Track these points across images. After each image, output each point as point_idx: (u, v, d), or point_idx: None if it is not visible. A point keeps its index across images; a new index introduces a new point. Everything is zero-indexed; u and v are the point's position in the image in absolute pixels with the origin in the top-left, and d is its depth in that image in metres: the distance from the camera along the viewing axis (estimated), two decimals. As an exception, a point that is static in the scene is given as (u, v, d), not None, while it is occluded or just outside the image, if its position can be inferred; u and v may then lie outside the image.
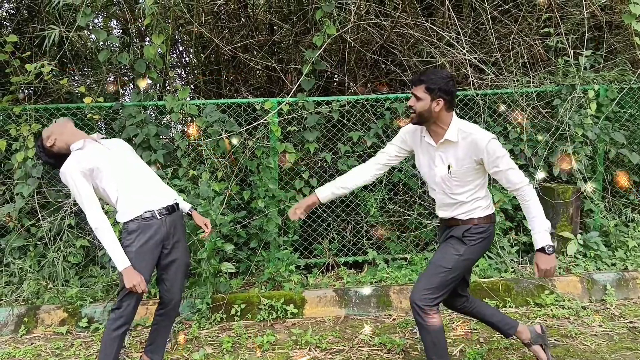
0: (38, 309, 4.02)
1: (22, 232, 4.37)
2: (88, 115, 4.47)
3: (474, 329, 3.72)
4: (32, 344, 3.75)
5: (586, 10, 4.71)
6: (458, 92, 4.76)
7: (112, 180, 2.78)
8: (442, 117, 2.58)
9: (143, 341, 3.69)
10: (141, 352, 3.28)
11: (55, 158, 2.85)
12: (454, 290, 2.87)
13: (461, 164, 2.59)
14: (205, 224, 3.13)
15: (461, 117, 4.72)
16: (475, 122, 4.75)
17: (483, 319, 3.02)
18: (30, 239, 4.34)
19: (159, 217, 2.82)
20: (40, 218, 4.32)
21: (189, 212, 3.15)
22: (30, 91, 4.98)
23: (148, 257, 2.79)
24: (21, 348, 3.65)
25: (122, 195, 2.79)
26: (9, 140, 4.36)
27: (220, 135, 4.44)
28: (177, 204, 2.98)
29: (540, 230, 2.56)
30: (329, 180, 4.79)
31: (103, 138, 2.96)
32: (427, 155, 2.72)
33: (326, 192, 2.89)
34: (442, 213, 2.77)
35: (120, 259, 2.68)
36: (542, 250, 2.55)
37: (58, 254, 4.23)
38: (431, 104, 2.54)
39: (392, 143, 2.87)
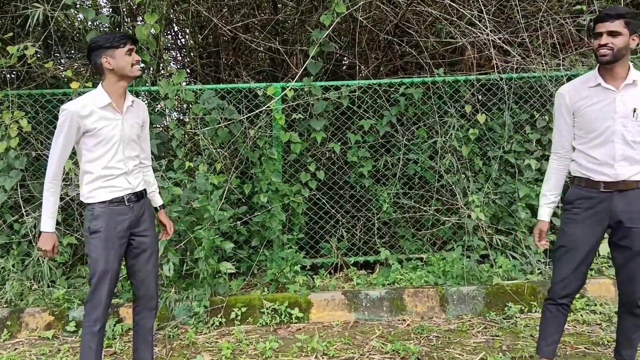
0: (22, 311, 4.06)
1: (4, 228, 4.41)
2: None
3: (496, 336, 3.73)
4: (15, 349, 3.79)
5: (623, -16, 4.68)
6: (480, 77, 4.74)
7: (97, 155, 2.81)
8: (628, 56, 2.66)
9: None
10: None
11: (96, 67, 2.85)
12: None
13: None
14: (167, 225, 3.30)
15: (483, 105, 4.74)
16: (499, 110, 4.75)
17: None
18: (13, 236, 4.38)
19: (127, 204, 2.89)
20: (24, 213, 4.36)
21: (157, 208, 3.27)
22: (13, 75, 5.01)
23: (117, 244, 2.85)
24: (4, 354, 3.69)
25: (96, 176, 2.83)
26: (-10, 128, 4.40)
27: (219, 123, 4.46)
28: (145, 190, 3.06)
29: None
30: (337, 173, 4.86)
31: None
32: (602, 104, 2.71)
33: (547, 211, 2.98)
34: (621, 169, 2.70)
35: (44, 222, 2.80)
36: None
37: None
38: (629, 40, 2.61)
39: (565, 126, 2.87)
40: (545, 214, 2.97)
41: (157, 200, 3.25)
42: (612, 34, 2.60)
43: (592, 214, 2.76)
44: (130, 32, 4.78)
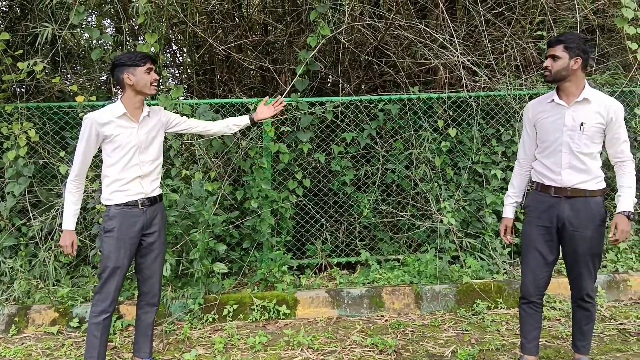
0: (29, 308, 4.00)
1: (13, 231, 4.34)
2: (80, 114, 4.45)
3: (466, 330, 3.74)
4: (22, 344, 3.72)
5: (579, 13, 4.75)
6: (451, 95, 4.78)
7: (114, 160, 2.88)
8: (578, 76, 2.74)
9: (133, 342, 3.67)
10: (131, 353, 3.28)
11: (118, 82, 2.92)
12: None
13: (592, 123, 2.71)
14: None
15: (454, 120, 4.78)
16: (468, 124, 4.78)
17: None
18: (21, 238, 4.31)
19: (140, 207, 2.93)
20: (32, 217, 4.30)
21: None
22: (22, 89, 4.95)
23: (128, 244, 2.89)
24: (12, 348, 3.62)
25: (113, 179, 2.89)
26: (0, 138, 4.33)
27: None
28: (160, 196, 3.09)
29: (629, 198, 2.74)
30: (322, 181, 4.86)
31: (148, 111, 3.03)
32: (554, 117, 2.80)
33: (511, 210, 3.09)
34: (567, 176, 2.76)
35: (65, 220, 2.86)
36: (626, 214, 2.71)
37: (49, 253, 4.21)
38: (569, 62, 2.70)
39: (526, 137, 2.98)
40: (509, 211, 3.07)
41: (242, 121, 3.50)
42: (554, 57, 2.74)
43: (542, 217, 2.84)
44: (132, 50, 4.73)
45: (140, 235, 2.96)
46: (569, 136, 2.74)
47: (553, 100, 2.81)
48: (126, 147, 2.88)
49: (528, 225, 2.91)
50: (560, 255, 2.92)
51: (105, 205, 2.93)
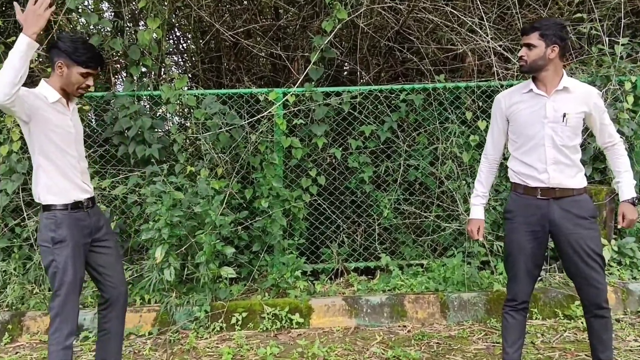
0: (23, 315, 4.06)
1: (5, 232, 4.41)
2: (77, 106, 4.49)
3: (497, 343, 3.73)
4: (16, 353, 3.79)
5: (623, -7, 4.69)
6: (480, 83, 4.76)
7: (53, 146, 2.68)
8: (556, 64, 2.74)
9: (136, 351, 3.72)
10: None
11: (50, 61, 2.72)
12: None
13: (574, 113, 2.74)
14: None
15: (483, 111, 4.75)
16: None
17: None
18: (14, 240, 4.38)
19: (85, 210, 2.81)
20: (26, 217, 4.36)
21: None
22: (15, 79, 5.01)
23: (82, 253, 2.77)
24: (5, 357, 3.69)
25: (55, 171, 2.71)
26: (-8, 132, 4.40)
27: (221, 128, 4.46)
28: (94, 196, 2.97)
29: (630, 183, 2.83)
30: (338, 178, 4.86)
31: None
32: (533, 109, 2.80)
33: (481, 210, 3.09)
34: (554, 173, 2.77)
35: (20, 43, 2.42)
36: (630, 201, 2.81)
37: (44, 256, 4.26)
38: (546, 51, 2.71)
39: (496, 130, 2.99)
40: (480, 212, 3.08)
41: None
42: (529, 46, 2.75)
43: (530, 222, 2.83)
44: (133, 37, 4.77)
45: (90, 242, 2.84)
46: (552, 128, 2.74)
47: (531, 90, 2.81)
48: (64, 132, 2.72)
49: (515, 232, 2.88)
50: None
51: (48, 206, 2.72)
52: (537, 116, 2.78)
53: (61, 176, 2.72)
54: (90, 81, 2.74)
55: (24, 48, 2.41)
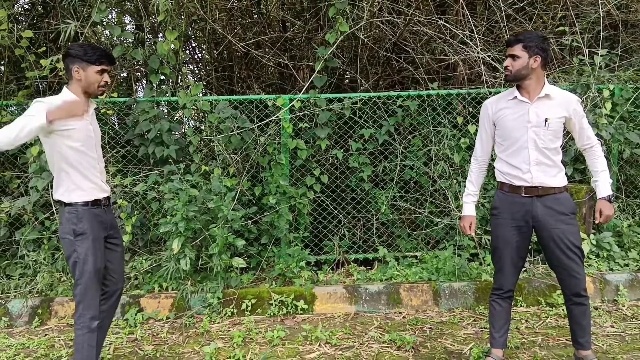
0: (52, 300, 4.08)
1: (36, 225, 4.43)
2: (102, 110, 4.53)
3: (484, 328, 3.73)
4: (45, 335, 3.81)
5: (602, 8, 4.69)
6: (471, 91, 4.76)
7: (74, 151, 2.68)
8: (538, 73, 2.77)
9: (155, 334, 3.74)
10: (153, 345, 3.33)
11: (67, 71, 2.71)
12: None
13: (556, 118, 2.76)
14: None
15: (473, 116, 4.75)
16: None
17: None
18: (44, 232, 4.40)
19: (102, 207, 2.83)
20: (55, 211, 4.38)
21: None
22: (45, 85, 5.04)
23: (101, 245, 2.78)
24: (35, 339, 3.71)
25: (77, 174, 2.71)
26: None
27: (233, 131, 4.48)
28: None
29: (606, 182, 2.86)
30: (340, 177, 4.87)
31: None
32: (517, 114, 2.81)
33: (473, 207, 3.11)
34: (536, 173, 2.78)
35: (35, 112, 2.47)
36: (607, 198, 2.84)
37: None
38: (529, 61, 2.73)
39: (484, 134, 3.00)
40: (471, 209, 3.09)
41: None
42: (513, 57, 2.77)
43: (516, 217, 2.84)
44: (153, 47, 4.79)
45: (104, 237, 2.84)
46: (535, 132, 2.76)
47: (515, 97, 2.82)
48: (84, 137, 2.70)
49: (501, 227, 2.90)
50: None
51: (70, 203, 2.71)
52: (521, 121, 2.79)
53: (83, 178, 2.73)
54: (106, 77, 2.74)
55: (35, 127, 2.43)
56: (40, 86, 4.91)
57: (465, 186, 3.17)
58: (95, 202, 2.78)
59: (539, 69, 2.75)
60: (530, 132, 2.76)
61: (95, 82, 2.71)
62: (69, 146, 2.66)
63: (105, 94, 2.87)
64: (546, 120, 2.74)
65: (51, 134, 2.61)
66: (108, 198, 2.89)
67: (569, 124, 2.83)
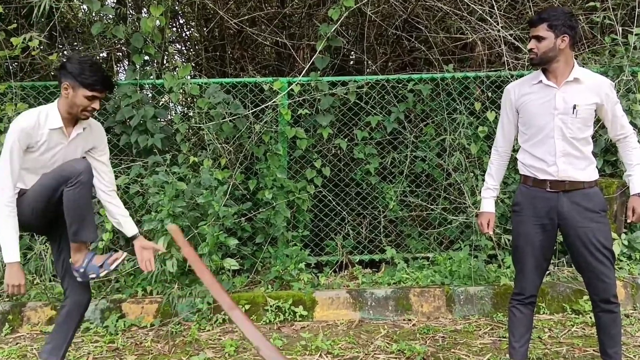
0: (24, 306, 4.10)
1: None
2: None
3: (503, 337, 3.74)
4: (17, 344, 3.82)
5: (639, -20, 4.66)
6: (490, 73, 4.74)
7: (32, 166, 2.76)
8: (567, 55, 2.73)
9: (138, 343, 3.76)
10: (136, 355, 3.35)
11: (58, 82, 2.79)
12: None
13: (585, 105, 2.73)
14: (147, 252, 2.99)
15: (492, 102, 4.74)
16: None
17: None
18: (15, 230, 4.40)
19: None
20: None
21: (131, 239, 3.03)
22: (16, 67, 5.03)
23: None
24: (5, 348, 3.72)
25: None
26: (-7, 120, 4.42)
27: (224, 118, 4.47)
28: None
29: None
30: (344, 170, 4.87)
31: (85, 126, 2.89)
32: (542, 100, 2.79)
33: (492, 203, 3.11)
34: (563, 165, 2.77)
35: (10, 251, 2.66)
36: None
37: (46, 246, 4.30)
38: (556, 42, 2.69)
39: (506, 122, 2.98)
40: (490, 205, 3.09)
41: (129, 229, 3.03)
42: (538, 38, 2.73)
43: (539, 214, 2.83)
44: (136, 24, 4.78)
45: None
46: (562, 120, 2.74)
47: (540, 81, 2.80)
48: (49, 162, 2.77)
49: (523, 224, 2.89)
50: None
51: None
52: (546, 107, 2.77)
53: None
54: (96, 104, 2.74)
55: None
56: (11, 67, 4.89)
57: (483, 180, 3.16)
58: None
59: (567, 49, 2.73)
60: (556, 119, 2.74)
61: (81, 106, 2.71)
62: (27, 161, 2.73)
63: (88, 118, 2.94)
64: (574, 106, 2.72)
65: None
66: None
67: (601, 111, 2.81)
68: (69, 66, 2.68)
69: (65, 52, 6.02)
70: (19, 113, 4.27)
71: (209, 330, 3.95)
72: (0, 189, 2.62)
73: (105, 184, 2.98)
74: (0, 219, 2.62)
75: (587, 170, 2.78)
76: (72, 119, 2.79)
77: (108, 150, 3.06)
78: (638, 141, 2.90)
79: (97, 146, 2.96)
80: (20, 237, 4.32)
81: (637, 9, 4.74)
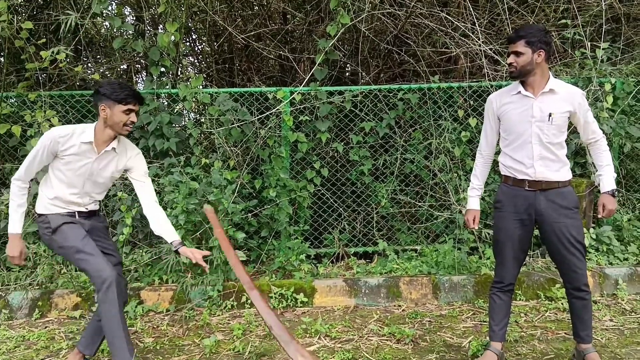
0: (52, 293, 4.09)
1: (36, 217, 4.42)
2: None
3: (483, 321, 3.73)
4: (45, 327, 3.82)
5: (604, 1, 4.65)
6: (472, 84, 4.74)
7: (59, 178, 2.79)
8: (543, 68, 2.75)
9: (155, 326, 3.75)
10: (153, 337, 3.34)
11: (95, 107, 2.81)
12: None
13: (560, 113, 2.74)
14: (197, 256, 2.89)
15: (474, 109, 4.73)
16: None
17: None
18: (44, 224, 4.39)
19: (77, 217, 2.87)
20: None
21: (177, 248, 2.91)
22: (45, 77, 5.02)
23: (75, 225, 2.84)
24: (35, 331, 3.72)
25: (54, 195, 2.80)
26: (24, 126, 4.41)
27: (233, 124, 4.46)
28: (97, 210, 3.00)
29: (610, 176, 2.85)
30: (340, 170, 4.86)
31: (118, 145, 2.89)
32: (521, 109, 2.80)
33: (477, 201, 3.10)
34: (540, 168, 2.77)
35: (12, 223, 2.79)
36: (610, 193, 2.84)
37: (72, 239, 4.28)
38: (533, 56, 2.70)
39: (489, 128, 2.99)
40: (476, 203, 3.08)
41: (170, 236, 2.93)
42: (517, 53, 2.74)
43: (519, 211, 2.84)
44: (153, 39, 4.77)
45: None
46: (538, 127, 2.75)
47: (519, 92, 2.80)
48: (76, 173, 2.79)
49: (504, 219, 2.89)
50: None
51: (40, 214, 2.84)
52: (525, 116, 2.78)
53: (53, 200, 2.81)
54: (133, 117, 2.77)
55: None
56: (40, 78, 4.88)
57: (466, 179, 3.16)
58: (68, 214, 2.85)
59: (543, 63, 2.73)
60: (534, 126, 2.75)
61: (120, 122, 2.74)
62: (60, 169, 2.78)
63: (130, 132, 2.94)
64: (550, 115, 2.73)
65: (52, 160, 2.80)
66: (89, 212, 2.93)
67: (574, 118, 2.81)
68: (101, 90, 2.73)
69: (89, 65, 6.01)
70: (48, 119, 4.31)
71: (219, 315, 3.94)
72: (19, 172, 2.77)
73: (147, 197, 2.96)
74: (11, 194, 2.79)
75: (561, 172, 2.79)
76: (107, 139, 2.81)
77: (146, 169, 3.02)
78: (606, 145, 2.91)
79: (132, 167, 2.95)
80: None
81: (604, 26, 4.74)
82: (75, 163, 2.76)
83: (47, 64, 4.35)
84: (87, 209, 2.91)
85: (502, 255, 2.92)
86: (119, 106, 2.72)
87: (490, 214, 4.67)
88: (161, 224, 2.92)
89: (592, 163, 4.42)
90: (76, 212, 2.86)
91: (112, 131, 2.79)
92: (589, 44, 4.65)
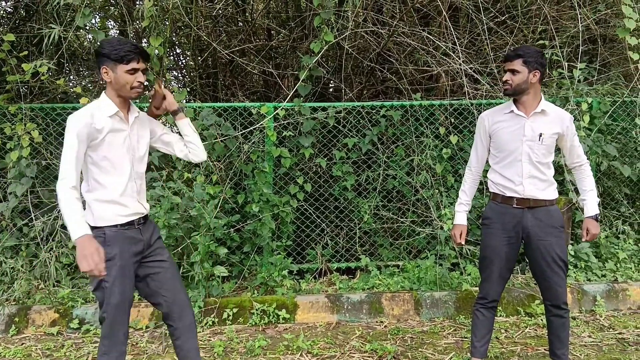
0: (29, 309, 3.99)
1: (14, 231, 4.34)
2: (140, 114, 4.46)
3: (465, 337, 3.74)
4: (22, 344, 3.72)
5: (581, 23, 4.77)
6: (453, 102, 4.80)
7: (106, 169, 2.38)
8: (536, 88, 2.79)
9: (134, 343, 3.68)
10: (132, 355, 3.27)
11: (99, 72, 2.42)
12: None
13: (550, 134, 2.79)
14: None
15: (455, 127, 4.79)
16: (470, 132, 4.80)
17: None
18: (22, 239, 4.31)
19: (136, 226, 2.47)
20: (33, 218, 4.30)
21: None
22: (26, 90, 4.96)
23: (129, 272, 2.41)
24: (11, 348, 3.62)
25: (104, 196, 2.38)
26: (3, 139, 4.34)
27: (216, 138, 4.44)
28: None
29: (594, 201, 2.91)
30: (323, 186, 4.86)
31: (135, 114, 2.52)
32: (513, 128, 2.83)
33: (465, 216, 3.10)
34: (529, 186, 2.80)
35: (74, 227, 2.16)
36: (594, 217, 2.90)
37: (50, 254, 4.21)
38: (529, 76, 2.74)
39: (480, 145, 3.01)
40: (463, 218, 3.09)
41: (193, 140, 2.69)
42: (513, 72, 2.77)
43: (506, 228, 2.87)
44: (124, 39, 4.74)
45: (138, 259, 2.49)
46: (529, 146, 2.79)
47: (512, 111, 2.84)
48: (120, 151, 2.41)
49: (492, 236, 2.91)
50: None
51: (96, 227, 2.35)
52: (516, 134, 2.81)
53: (109, 203, 2.38)
54: (140, 77, 2.38)
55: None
56: (21, 90, 4.82)
57: (447, 195, 3.18)
58: (128, 224, 2.43)
59: (537, 83, 2.78)
60: (524, 145, 2.79)
61: (126, 84, 2.36)
62: (96, 164, 2.37)
63: (141, 96, 2.63)
64: (541, 135, 2.77)
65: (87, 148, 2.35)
66: (144, 217, 2.54)
67: (561, 141, 2.86)
68: (100, 50, 2.36)
69: (71, 77, 5.95)
70: (28, 132, 4.25)
71: (199, 332, 3.88)
72: (64, 177, 2.21)
73: (181, 148, 2.71)
74: (65, 202, 2.18)
75: (547, 190, 2.83)
76: (125, 103, 2.45)
77: (162, 125, 2.72)
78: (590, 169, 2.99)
79: (154, 129, 2.64)
80: (27, 245, 4.26)
81: (581, 47, 4.85)
82: (116, 141, 2.38)
83: (28, 77, 4.30)
84: (145, 208, 2.53)
85: (488, 272, 2.94)
86: (121, 66, 2.33)
87: (471, 230, 4.70)
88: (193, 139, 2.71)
89: (571, 181, 4.51)
90: (135, 221, 2.45)
91: (122, 96, 2.41)
92: (566, 64, 4.75)
